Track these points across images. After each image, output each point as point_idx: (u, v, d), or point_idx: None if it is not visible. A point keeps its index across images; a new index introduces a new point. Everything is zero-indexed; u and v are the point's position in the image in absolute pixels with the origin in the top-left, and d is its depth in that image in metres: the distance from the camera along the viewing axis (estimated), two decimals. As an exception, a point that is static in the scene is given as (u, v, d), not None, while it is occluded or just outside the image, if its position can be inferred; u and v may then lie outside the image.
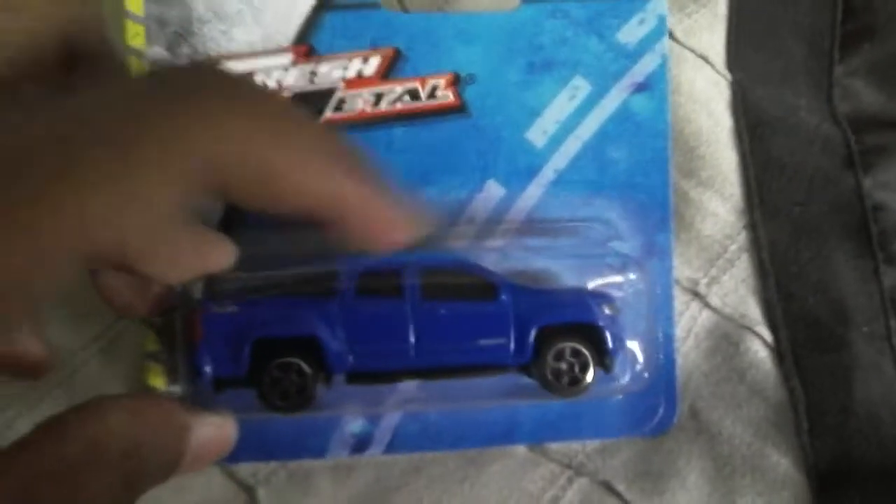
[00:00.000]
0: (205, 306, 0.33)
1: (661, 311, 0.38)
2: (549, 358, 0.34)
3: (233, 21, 0.37)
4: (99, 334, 0.38)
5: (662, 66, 0.38)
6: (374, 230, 0.29)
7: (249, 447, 0.35)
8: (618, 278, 0.36)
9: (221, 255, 0.29)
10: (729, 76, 0.42)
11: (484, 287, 0.34)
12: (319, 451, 0.36)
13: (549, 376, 0.34)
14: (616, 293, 0.36)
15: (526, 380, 0.35)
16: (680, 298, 0.39)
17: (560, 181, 0.37)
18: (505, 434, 0.37)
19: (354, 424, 0.36)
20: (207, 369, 0.32)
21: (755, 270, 0.40)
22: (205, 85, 0.26)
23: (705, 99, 0.41)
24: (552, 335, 0.34)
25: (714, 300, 0.39)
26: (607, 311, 0.35)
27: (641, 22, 0.38)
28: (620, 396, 0.37)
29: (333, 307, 0.33)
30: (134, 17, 0.37)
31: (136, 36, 0.36)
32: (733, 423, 0.38)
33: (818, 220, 0.40)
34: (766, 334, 0.39)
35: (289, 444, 0.36)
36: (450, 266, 0.34)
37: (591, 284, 0.36)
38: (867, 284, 0.39)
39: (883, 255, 0.39)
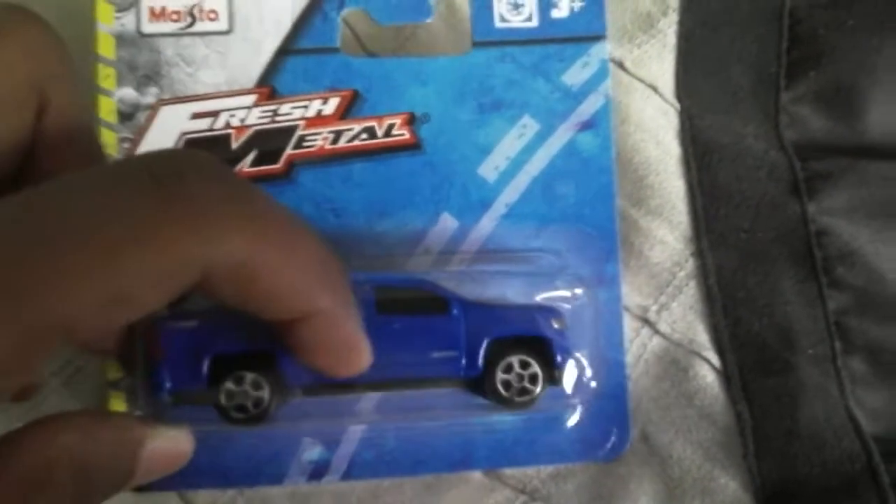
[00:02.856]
0: (164, 322, 0.33)
1: (612, 339, 0.39)
2: (499, 370, 0.35)
3: (199, 64, 0.38)
4: (60, 368, 0.39)
5: (606, 106, 0.40)
6: (337, 351, 0.30)
7: (207, 474, 0.36)
8: (567, 293, 0.37)
9: None
10: (677, 105, 0.43)
11: (436, 302, 0.35)
12: (277, 478, 0.37)
13: (499, 388, 0.35)
14: (565, 311, 0.37)
15: (480, 401, 0.36)
16: (630, 325, 0.40)
17: (511, 214, 0.39)
18: (461, 460, 0.38)
19: (312, 452, 0.37)
20: (167, 383, 0.33)
21: (703, 297, 0.41)
22: (201, 187, 0.25)
23: (654, 128, 0.42)
24: (502, 348, 0.35)
25: (663, 326, 0.40)
26: (556, 324, 0.36)
27: (585, 65, 0.40)
28: (574, 423, 0.38)
29: None
30: (105, 61, 0.38)
31: (106, 78, 0.38)
32: (683, 447, 0.39)
33: (764, 246, 0.41)
34: (714, 359, 0.40)
35: (246, 470, 0.37)
36: (402, 283, 0.35)
37: (540, 298, 0.37)
38: (812, 308, 0.40)
39: (827, 279, 0.40)
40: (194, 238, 0.24)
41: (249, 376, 0.33)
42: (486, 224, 0.39)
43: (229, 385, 0.33)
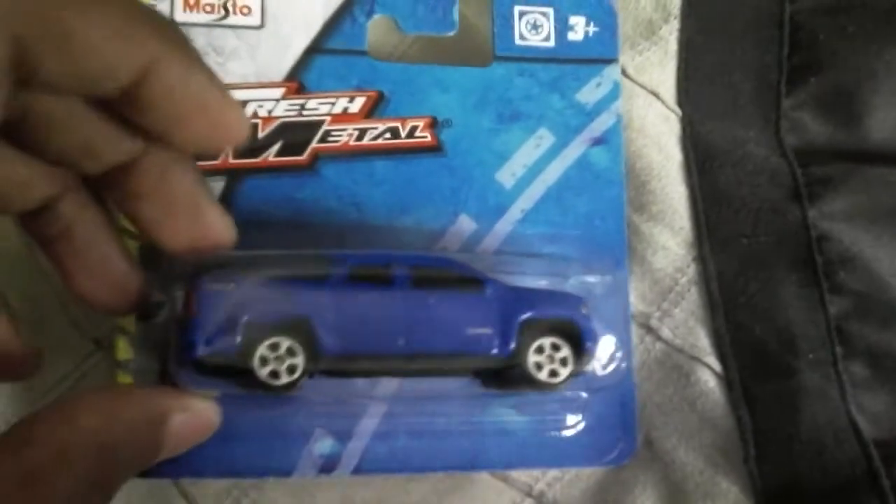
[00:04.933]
0: (201, 283, 0.33)
1: (620, 346, 0.39)
2: (531, 351, 0.35)
3: (229, 55, 0.39)
4: (67, 373, 0.39)
5: (617, 124, 0.41)
6: (198, 111, 0.27)
7: (215, 464, 0.36)
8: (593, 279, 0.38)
9: None
10: (679, 111, 0.43)
11: (470, 280, 0.35)
12: (287, 471, 0.36)
13: (531, 369, 0.35)
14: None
15: (493, 400, 0.37)
16: (635, 332, 0.41)
17: (526, 220, 0.40)
18: (471, 460, 0.38)
19: (323, 444, 0.37)
20: (200, 345, 0.32)
21: (704, 302, 0.41)
22: None
23: (656, 134, 0.43)
24: (533, 330, 0.35)
25: (665, 332, 0.41)
26: (583, 310, 0.36)
27: (598, 85, 0.41)
28: (583, 428, 0.38)
29: (325, 291, 0.34)
30: None
31: None
32: (685, 452, 0.39)
33: (765, 251, 0.41)
34: (716, 364, 0.40)
35: (255, 461, 0.36)
36: (436, 263, 0.36)
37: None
38: (813, 313, 0.40)
39: (828, 284, 0.41)
40: None
41: (285, 343, 0.33)
42: (503, 228, 0.40)
43: (264, 351, 0.33)
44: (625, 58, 0.43)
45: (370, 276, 0.34)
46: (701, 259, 0.41)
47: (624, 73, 0.43)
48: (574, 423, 0.38)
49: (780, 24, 0.44)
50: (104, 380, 0.38)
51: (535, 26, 0.41)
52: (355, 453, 0.37)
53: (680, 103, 0.43)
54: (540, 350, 0.35)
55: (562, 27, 0.42)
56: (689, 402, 0.40)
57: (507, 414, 0.38)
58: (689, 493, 0.39)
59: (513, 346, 0.35)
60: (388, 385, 0.36)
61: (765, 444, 0.39)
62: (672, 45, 0.44)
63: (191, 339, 0.32)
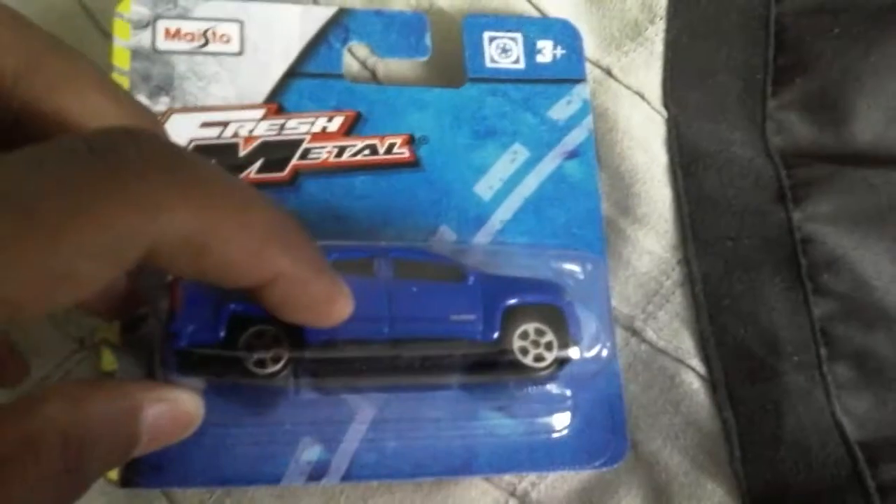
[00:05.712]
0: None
1: (603, 331, 0.39)
2: (516, 336, 0.35)
3: (210, 79, 0.40)
4: (49, 373, 0.38)
5: (589, 138, 0.42)
6: (311, 307, 0.29)
7: (202, 472, 0.36)
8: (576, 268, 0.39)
9: None
10: (664, 112, 0.43)
11: (452, 270, 0.36)
12: (274, 478, 0.37)
13: (517, 353, 0.35)
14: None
15: (482, 405, 0.37)
16: (620, 334, 0.41)
17: (505, 231, 0.41)
18: (462, 466, 0.38)
19: (311, 451, 0.37)
20: (184, 336, 0.32)
21: (689, 304, 0.41)
22: (140, 157, 0.24)
23: (641, 136, 0.43)
24: (517, 316, 0.36)
25: (650, 334, 0.41)
26: (567, 297, 0.37)
27: (569, 103, 0.43)
28: (573, 431, 0.39)
29: None
30: (119, 71, 0.40)
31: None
32: (671, 453, 0.40)
33: (750, 253, 0.41)
34: (700, 366, 0.40)
35: (243, 470, 0.37)
36: (418, 255, 0.36)
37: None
38: (797, 315, 0.41)
39: (812, 286, 0.41)
40: (135, 211, 0.23)
41: (271, 331, 0.33)
42: (483, 238, 0.40)
43: (249, 339, 0.33)
44: (610, 59, 0.43)
45: (353, 267, 0.35)
46: (686, 261, 0.42)
47: (609, 74, 0.43)
48: (563, 426, 0.38)
49: (765, 25, 0.44)
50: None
51: (504, 50, 0.43)
52: (344, 460, 0.37)
53: (665, 104, 0.43)
54: (525, 335, 0.35)
55: (530, 50, 0.43)
56: (674, 403, 0.40)
57: (496, 417, 0.38)
58: (674, 495, 0.39)
59: (497, 331, 0.35)
60: (377, 394, 0.37)
61: (750, 446, 0.39)
62: (658, 46, 0.44)
63: (175, 330, 0.32)
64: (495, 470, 0.38)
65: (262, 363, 0.33)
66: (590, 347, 0.37)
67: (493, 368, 0.36)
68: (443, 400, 0.37)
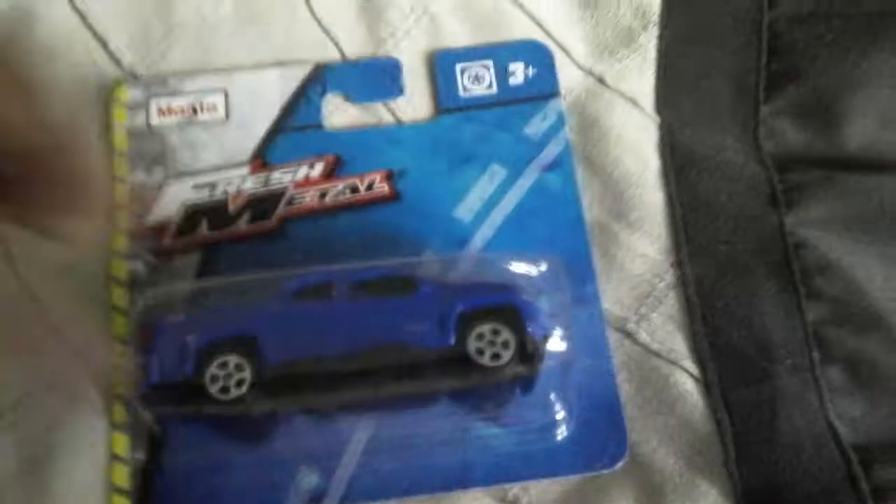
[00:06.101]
0: (153, 318, 0.37)
1: (599, 352, 0.41)
2: (471, 339, 0.37)
3: (200, 148, 0.44)
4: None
5: (566, 149, 0.44)
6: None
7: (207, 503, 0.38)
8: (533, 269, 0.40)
9: None
10: (658, 118, 0.44)
11: (406, 284, 0.38)
12: None
13: (473, 354, 0.37)
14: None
15: (474, 417, 0.38)
16: (613, 336, 0.41)
17: (488, 248, 0.42)
18: (459, 479, 0.39)
19: (309, 479, 0.38)
20: (156, 373, 0.36)
21: (682, 307, 0.42)
22: None
23: (634, 141, 0.43)
24: (472, 319, 0.37)
25: (643, 337, 0.41)
26: (526, 296, 0.38)
27: (544, 118, 0.45)
28: (570, 435, 0.39)
29: (271, 310, 0.37)
30: (119, 151, 0.44)
31: (120, 168, 0.43)
32: (665, 454, 0.40)
33: (743, 257, 0.42)
34: (694, 368, 0.41)
35: (245, 501, 0.38)
36: (374, 273, 0.38)
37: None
38: (791, 319, 0.41)
39: (805, 290, 0.41)
40: None
41: (233, 360, 0.36)
42: None
43: (214, 370, 0.36)
44: (603, 66, 0.44)
45: (311, 293, 0.37)
46: (679, 264, 0.42)
47: (602, 81, 0.44)
48: (559, 431, 0.39)
49: (758, 31, 0.45)
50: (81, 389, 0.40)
51: (476, 78, 0.45)
52: (341, 485, 0.38)
53: (659, 110, 0.44)
54: (480, 337, 0.37)
55: (502, 75, 0.45)
56: (669, 404, 0.40)
57: (488, 428, 0.39)
58: (669, 495, 0.39)
59: (453, 336, 0.37)
60: (369, 418, 0.39)
61: (744, 447, 0.39)
62: (651, 53, 0.45)
63: (148, 369, 0.36)
64: (493, 481, 0.39)
65: (225, 390, 0.36)
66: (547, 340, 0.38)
67: (454, 371, 0.37)
68: (434, 417, 0.39)
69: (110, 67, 0.46)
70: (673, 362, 0.41)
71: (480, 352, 0.36)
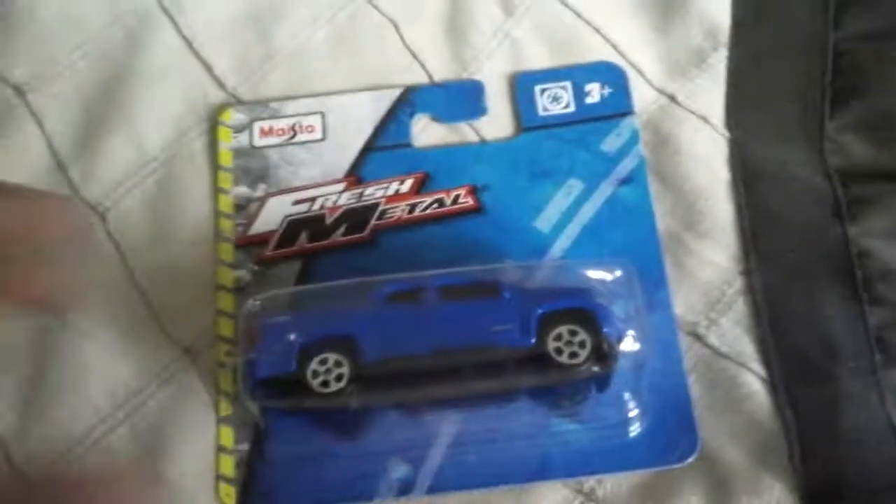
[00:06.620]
0: (260, 318, 0.40)
1: (670, 355, 0.43)
2: (550, 339, 0.39)
3: (299, 165, 0.48)
4: (156, 374, 0.44)
5: (641, 165, 0.47)
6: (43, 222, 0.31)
7: (308, 496, 0.41)
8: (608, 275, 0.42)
9: None
10: (727, 134, 0.46)
11: (490, 288, 0.40)
12: (368, 496, 0.41)
13: (552, 353, 0.39)
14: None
15: (554, 414, 0.41)
16: (684, 339, 0.43)
17: (567, 257, 0.45)
18: (539, 472, 0.41)
19: (399, 470, 0.41)
20: (263, 370, 0.39)
21: (750, 312, 0.44)
22: None
23: (705, 156, 0.46)
24: (551, 321, 0.39)
25: (713, 340, 0.43)
26: (600, 300, 0.40)
27: (619, 135, 0.47)
28: (644, 432, 0.42)
29: (367, 312, 0.40)
30: (224, 168, 0.48)
31: (225, 181, 0.48)
32: (733, 450, 0.42)
33: (808, 265, 0.44)
34: (761, 370, 0.43)
35: (341, 489, 0.41)
36: (461, 279, 0.40)
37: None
38: (854, 323, 0.43)
39: (868, 296, 0.43)
40: None
41: (332, 357, 0.38)
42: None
43: (315, 366, 0.38)
44: (676, 85, 0.47)
45: (404, 297, 0.40)
46: (747, 272, 0.44)
47: (674, 100, 0.47)
48: (632, 428, 0.41)
49: (823, 50, 0.47)
50: (190, 384, 0.44)
51: (555, 98, 0.48)
52: (428, 476, 0.41)
53: (728, 127, 0.46)
54: (559, 337, 0.39)
55: (579, 94, 0.48)
56: (736, 404, 0.42)
57: (566, 423, 0.41)
58: (736, 489, 0.41)
59: (534, 337, 0.39)
60: (455, 414, 0.41)
61: (808, 444, 0.41)
62: (721, 72, 0.47)
63: (255, 364, 0.39)
64: (570, 474, 0.42)
65: (326, 384, 0.38)
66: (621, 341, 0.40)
67: (535, 369, 0.39)
68: (515, 413, 0.41)
69: (214, 90, 0.50)
70: (741, 364, 0.43)
71: (559, 351, 0.38)
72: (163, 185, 0.49)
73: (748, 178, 0.45)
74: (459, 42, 0.51)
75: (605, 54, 0.49)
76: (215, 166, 0.48)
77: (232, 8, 0.53)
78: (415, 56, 0.50)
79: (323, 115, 0.49)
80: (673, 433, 0.42)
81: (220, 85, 0.50)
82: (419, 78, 0.50)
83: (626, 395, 0.41)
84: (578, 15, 0.50)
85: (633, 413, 0.41)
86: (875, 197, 0.45)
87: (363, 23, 0.52)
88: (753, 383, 0.43)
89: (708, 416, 0.42)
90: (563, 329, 0.39)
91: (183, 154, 0.49)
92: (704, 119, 0.46)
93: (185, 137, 0.49)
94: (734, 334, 0.43)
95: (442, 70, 0.50)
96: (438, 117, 0.49)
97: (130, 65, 0.51)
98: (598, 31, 0.50)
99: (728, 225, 0.45)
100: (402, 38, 0.51)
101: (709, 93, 0.47)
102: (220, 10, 0.52)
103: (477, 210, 0.46)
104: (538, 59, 0.50)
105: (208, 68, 0.51)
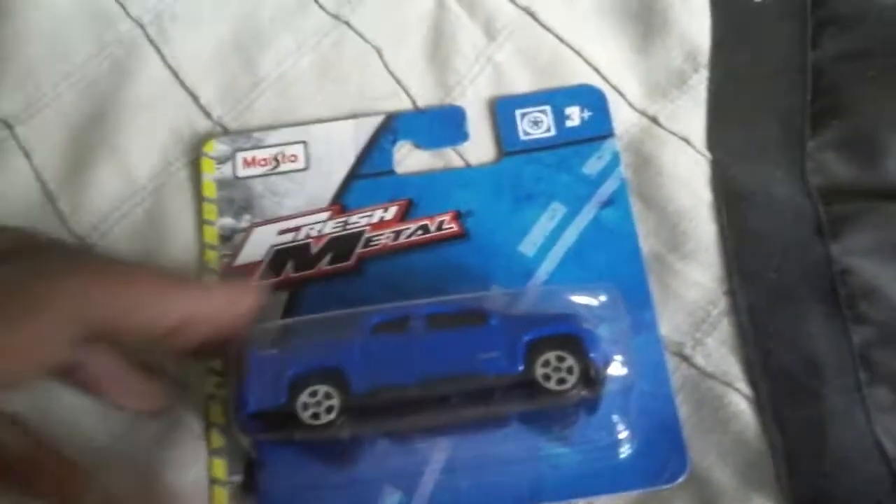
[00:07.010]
0: (250, 350, 0.40)
1: (657, 376, 0.43)
2: (538, 366, 0.39)
3: (283, 195, 0.48)
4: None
5: (622, 186, 0.47)
6: (230, 309, 0.38)
7: None
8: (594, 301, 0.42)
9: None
10: (709, 155, 0.47)
11: (476, 315, 0.40)
12: None
13: (540, 379, 0.39)
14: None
15: (544, 439, 0.41)
16: (670, 360, 0.44)
17: (552, 280, 0.45)
18: (530, 495, 0.41)
19: (392, 498, 0.41)
20: (253, 401, 0.39)
21: (735, 332, 0.44)
22: (53, 259, 0.35)
23: (687, 177, 0.46)
24: (538, 347, 0.39)
25: (699, 360, 0.44)
26: (587, 325, 0.40)
27: (600, 158, 0.48)
28: (633, 454, 0.42)
29: (354, 343, 0.40)
30: (208, 200, 0.48)
31: (210, 212, 0.48)
32: (721, 470, 0.42)
33: (791, 284, 0.44)
34: (747, 389, 0.43)
35: None
36: (447, 308, 0.40)
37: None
38: (838, 342, 0.43)
39: (851, 314, 0.43)
40: (62, 297, 0.33)
41: (322, 389, 0.38)
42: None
43: (305, 399, 0.38)
44: (657, 107, 0.47)
45: (391, 326, 0.40)
46: (731, 292, 0.44)
47: (656, 122, 0.47)
48: (622, 450, 0.42)
49: (802, 70, 0.47)
50: (181, 416, 0.44)
51: (535, 122, 0.49)
52: (422, 501, 0.41)
53: (710, 148, 0.47)
54: (546, 363, 0.39)
55: (559, 118, 0.49)
56: (724, 423, 0.43)
57: (556, 447, 0.41)
58: None
59: (521, 363, 0.39)
60: (446, 440, 0.41)
61: (795, 463, 0.41)
62: (702, 94, 0.48)
63: (245, 398, 0.39)
64: (562, 496, 0.42)
65: (316, 416, 0.38)
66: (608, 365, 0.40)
67: (523, 396, 0.39)
68: (506, 438, 0.41)
69: (200, 119, 0.51)
70: (727, 384, 0.43)
71: (547, 377, 0.38)
72: (150, 215, 0.49)
73: (730, 198, 0.46)
74: (442, 67, 0.51)
75: (587, 77, 0.50)
76: (199, 197, 0.48)
77: (217, 37, 0.53)
78: (398, 82, 0.51)
79: (305, 144, 0.49)
80: (663, 454, 0.42)
81: (206, 114, 0.51)
82: (403, 104, 0.50)
83: (615, 418, 0.41)
84: (560, 38, 0.51)
85: (623, 435, 0.41)
86: (856, 215, 0.45)
87: (347, 50, 0.52)
88: (740, 403, 0.43)
89: (695, 436, 0.43)
90: (550, 355, 0.39)
91: (170, 184, 0.49)
92: (686, 140, 0.47)
93: (172, 167, 0.50)
94: (720, 354, 0.44)
95: (425, 96, 0.50)
96: (420, 144, 0.49)
97: (117, 95, 0.52)
98: (579, 53, 0.50)
99: (711, 245, 0.45)
100: (385, 64, 0.51)
101: (690, 114, 0.47)
102: (205, 40, 0.53)
103: (461, 236, 0.46)
104: (521, 83, 0.50)
105: (194, 98, 0.51)
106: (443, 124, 0.49)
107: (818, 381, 0.42)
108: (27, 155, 0.50)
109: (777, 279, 0.44)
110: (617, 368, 0.40)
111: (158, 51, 0.53)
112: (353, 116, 0.50)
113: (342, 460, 0.41)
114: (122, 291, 0.34)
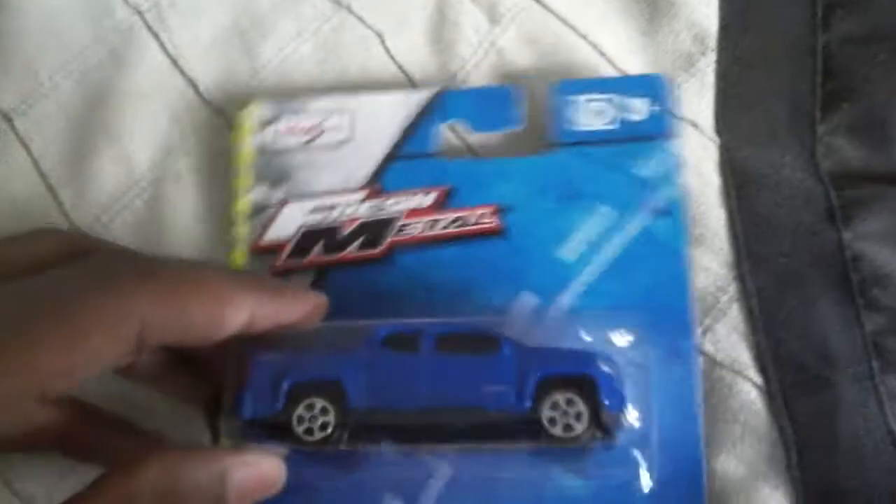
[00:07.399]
0: (252, 355, 0.39)
1: (688, 413, 0.40)
2: (546, 407, 0.37)
3: (320, 168, 0.46)
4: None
5: (681, 197, 0.44)
6: (293, 314, 0.38)
7: None
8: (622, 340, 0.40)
9: None
10: (717, 139, 0.46)
11: (488, 340, 0.38)
12: None
13: (545, 423, 0.37)
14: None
15: (551, 465, 0.39)
16: (678, 347, 0.43)
17: (588, 293, 0.42)
18: None
19: None
20: (249, 408, 0.38)
21: (745, 318, 0.43)
22: (122, 269, 0.35)
23: (695, 161, 0.45)
24: (549, 386, 0.37)
25: (708, 347, 0.43)
26: (605, 367, 0.38)
27: (658, 160, 0.44)
28: (646, 492, 0.39)
29: (358, 357, 0.38)
30: (245, 165, 0.47)
31: (245, 180, 0.46)
32: (729, 460, 0.41)
33: (802, 270, 0.43)
34: (757, 377, 0.42)
35: None
36: (461, 329, 0.39)
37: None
38: (850, 329, 0.42)
39: (863, 301, 0.43)
40: (127, 302, 0.34)
41: (319, 403, 0.38)
42: (564, 301, 0.42)
43: (301, 411, 0.38)
44: (664, 91, 0.47)
45: (399, 343, 0.38)
46: (741, 278, 0.44)
47: (664, 106, 0.46)
48: (639, 486, 0.39)
49: (812, 53, 0.46)
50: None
51: (598, 112, 0.45)
52: None
53: (718, 132, 0.46)
54: (555, 406, 0.37)
55: (622, 110, 0.45)
56: (733, 412, 0.42)
57: (568, 478, 0.39)
58: (732, 499, 0.41)
59: (530, 402, 0.37)
60: (453, 455, 0.40)
61: (806, 453, 0.41)
62: (710, 77, 0.47)
63: (242, 403, 0.38)
64: None
65: (310, 431, 0.37)
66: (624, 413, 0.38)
67: (528, 436, 0.37)
68: (515, 462, 0.39)
69: (200, 107, 0.50)
70: (737, 372, 0.42)
71: (553, 421, 0.37)
72: (151, 205, 0.48)
73: (739, 182, 0.45)
74: (445, 52, 0.50)
75: (593, 61, 0.49)
76: (235, 166, 0.47)
77: (217, 24, 0.52)
78: (400, 67, 0.50)
79: (351, 114, 0.47)
80: (681, 496, 0.40)
81: (206, 102, 0.50)
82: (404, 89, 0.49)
83: (635, 454, 0.39)
84: (564, 21, 0.50)
85: (642, 473, 0.39)
86: (868, 200, 0.44)
87: (348, 35, 0.51)
88: (750, 392, 0.42)
89: (705, 425, 0.42)
90: (560, 397, 0.37)
91: (170, 173, 0.49)
92: (694, 124, 0.46)
93: (172, 156, 0.49)
94: (730, 342, 0.43)
95: (427, 81, 0.49)
96: (470, 124, 0.47)
97: (115, 84, 0.51)
98: (584, 37, 0.49)
99: (721, 230, 0.45)
100: (387, 49, 0.51)
101: (697, 98, 0.47)
102: (204, 27, 0.52)
103: (499, 232, 0.44)
104: (525, 67, 0.49)
105: (194, 85, 0.50)
106: (495, 105, 0.46)
107: (830, 370, 0.42)
108: (26, 146, 0.50)
109: (787, 264, 0.43)
110: (634, 419, 0.38)
111: (157, 38, 0.52)
112: (403, 89, 0.48)
113: (343, 467, 0.40)
114: (191, 305, 0.35)
